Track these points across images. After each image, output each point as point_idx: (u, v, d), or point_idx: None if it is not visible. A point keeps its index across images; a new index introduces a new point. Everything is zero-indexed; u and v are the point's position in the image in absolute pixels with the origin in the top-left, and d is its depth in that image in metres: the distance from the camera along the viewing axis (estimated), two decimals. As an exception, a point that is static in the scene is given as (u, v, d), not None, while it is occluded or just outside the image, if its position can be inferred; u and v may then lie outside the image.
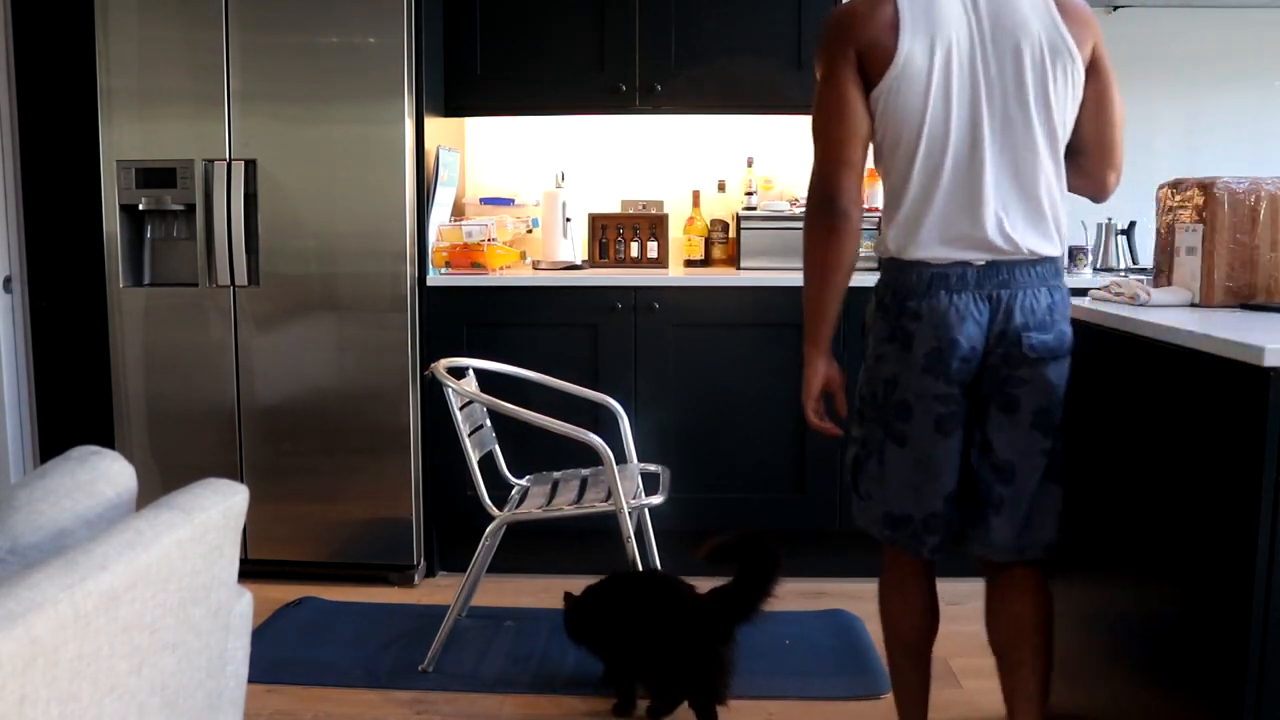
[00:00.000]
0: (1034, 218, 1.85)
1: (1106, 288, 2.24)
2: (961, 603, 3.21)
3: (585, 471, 2.98)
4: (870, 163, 1.94)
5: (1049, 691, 2.00)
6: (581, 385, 3.04)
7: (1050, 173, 1.85)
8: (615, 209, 3.78)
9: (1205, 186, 2.09)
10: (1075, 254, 3.49)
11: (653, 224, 3.69)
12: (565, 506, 2.71)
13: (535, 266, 3.66)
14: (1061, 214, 1.88)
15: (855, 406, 2.01)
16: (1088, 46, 1.86)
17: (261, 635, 2.88)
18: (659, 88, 3.48)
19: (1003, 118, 1.82)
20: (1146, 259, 3.56)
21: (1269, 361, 1.51)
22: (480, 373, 2.94)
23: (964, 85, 1.81)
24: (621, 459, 2.91)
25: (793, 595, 3.06)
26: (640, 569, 2.64)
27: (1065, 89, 1.83)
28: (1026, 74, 1.81)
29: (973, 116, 1.82)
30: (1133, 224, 3.62)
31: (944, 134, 1.83)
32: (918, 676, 2.07)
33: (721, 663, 2.38)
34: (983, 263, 1.84)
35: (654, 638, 2.41)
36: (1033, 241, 1.85)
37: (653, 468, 2.98)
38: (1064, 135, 1.87)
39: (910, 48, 1.79)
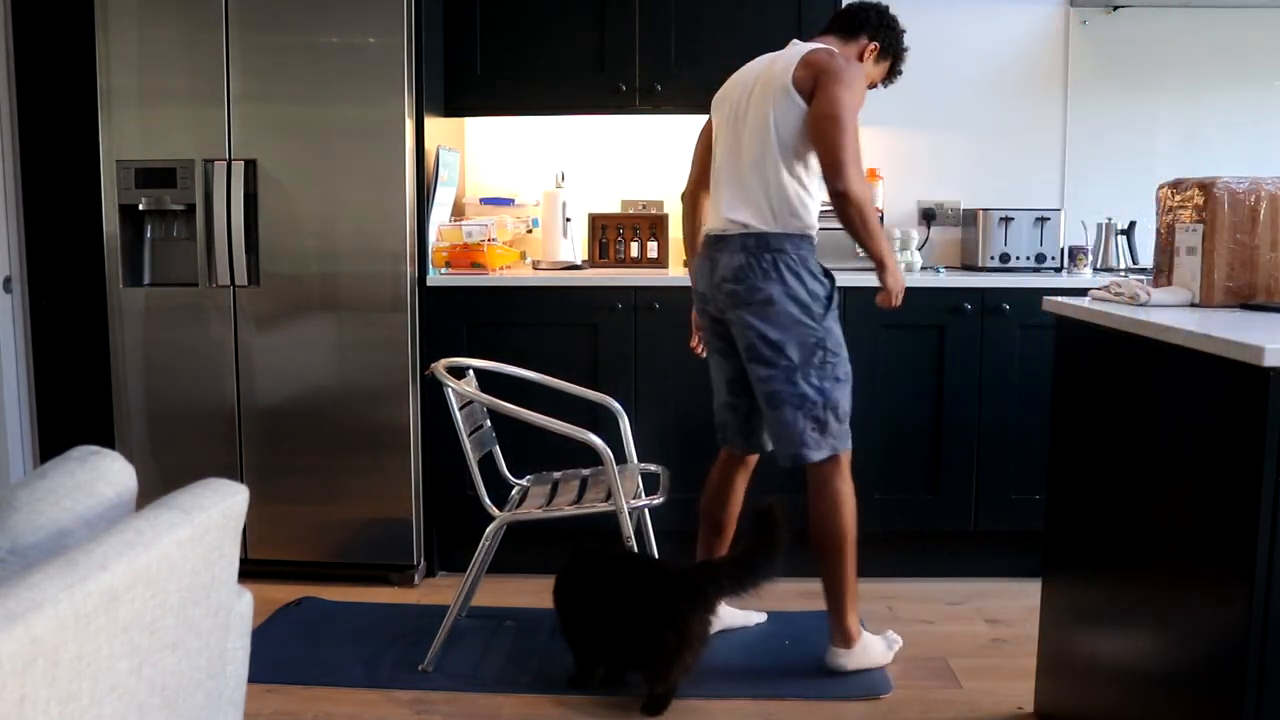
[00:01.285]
0: (744, 202, 2.55)
1: (1106, 288, 2.24)
2: (961, 603, 3.22)
3: (585, 471, 2.98)
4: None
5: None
6: (581, 385, 3.04)
7: (768, 174, 2.52)
8: (615, 209, 3.78)
9: (1205, 186, 2.09)
10: (1075, 254, 3.49)
11: (653, 224, 3.70)
12: (565, 506, 2.71)
13: (535, 266, 3.66)
14: (776, 203, 2.52)
15: None
16: (807, 86, 2.47)
17: (261, 635, 2.88)
18: (659, 88, 3.48)
19: (735, 137, 2.60)
20: (1146, 259, 3.56)
21: (1269, 361, 1.51)
22: (480, 373, 2.94)
23: (732, 116, 2.62)
24: (621, 459, 2.91)
25: (793, 595, 3.05)
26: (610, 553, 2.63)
27: (785, 115, 2.50)
28: (753, 106, 2.56)
29: (730, 138, 2.61)
30: (1133, 224, 3.62)
31: (719, 152, 2.66)
32: (710, 523, 2.84)
33: (691, 628, 2.38)
34: (713, 235, 2.64)
35: (632, 609, 2.43)
36: (739, 215, 2.56)
37: (653, 468, 2.98)
38: (785, 146, 2.50)
39: (725, 94, 2.68)
